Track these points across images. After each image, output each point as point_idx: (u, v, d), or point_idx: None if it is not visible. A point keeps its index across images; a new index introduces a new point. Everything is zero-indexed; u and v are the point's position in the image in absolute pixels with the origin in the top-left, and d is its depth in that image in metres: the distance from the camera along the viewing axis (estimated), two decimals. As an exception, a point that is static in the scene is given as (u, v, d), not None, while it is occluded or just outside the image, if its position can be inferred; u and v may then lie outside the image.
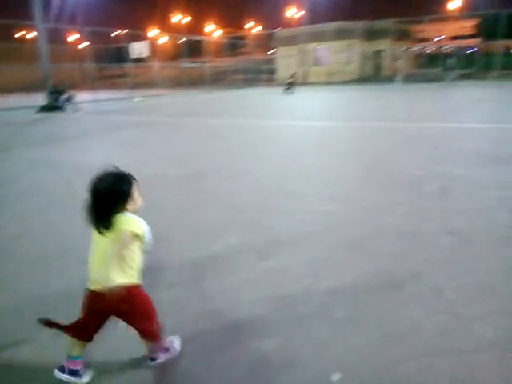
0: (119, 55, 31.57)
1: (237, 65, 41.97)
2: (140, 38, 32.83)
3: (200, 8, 69.25)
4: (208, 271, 3.07)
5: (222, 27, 61.61)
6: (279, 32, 41.83)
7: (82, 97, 20.67)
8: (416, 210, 4.22)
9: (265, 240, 3.61)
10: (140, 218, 1.83)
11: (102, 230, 1.76)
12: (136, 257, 1.84)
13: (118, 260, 1.76)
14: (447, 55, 33.23)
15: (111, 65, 35.04)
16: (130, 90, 27.81)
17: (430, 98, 18.78)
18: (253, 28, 61.58)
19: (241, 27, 62.31)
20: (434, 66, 33.38)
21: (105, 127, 12.57)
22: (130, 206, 1.81)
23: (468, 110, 12.96)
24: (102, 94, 25.13)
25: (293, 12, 53.86)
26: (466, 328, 2.28)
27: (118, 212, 1.77)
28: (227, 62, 42.41)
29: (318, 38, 37.05)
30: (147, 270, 1.97)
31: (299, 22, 47.18)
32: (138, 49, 31.84)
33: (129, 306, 1.84)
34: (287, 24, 50.85)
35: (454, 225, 3.76)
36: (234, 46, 46.26)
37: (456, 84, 25.79)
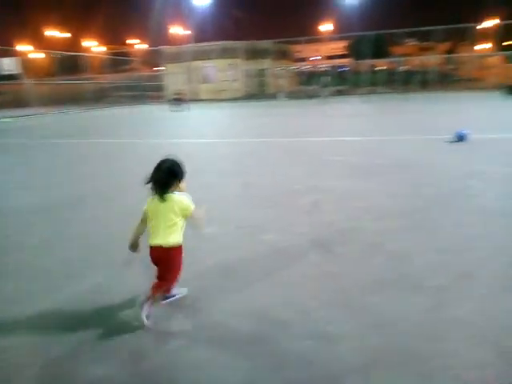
0: (-17, 73, 28.04)
1: (122, 81, 40.34)
2: (10, 53, 29.66)
3: (80, 23, 65.52)
4: (57, 324, 2.63)
5: (105, 43, 58.93)
6: (166, 49, 41.33)
7: None
8: (290, 225, 4.24)
9: (132, 276, 3.26)
10: (187, 195, 2.56)
11: (164, 199, 2.46)
12: (181, 224, 2.53)
13: (175, 224, 2.49)
14: (323, 73, 36.09)
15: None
16: (-4, 110, 24.81)
17: (307, 113, 20.02)
18: (138, 45, 60.01)
19: (125, 44, 60.26)
20: (312, 84, 35.96)
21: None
22: (180, 185, 2.55)
23: (341, 124, 14.02)
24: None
25: (178, 30, 53.81)
26: (331, 351, 2.23)
27: (174, 186, 2.51)
28: (111, 79, 40.54)
29: (204, 55, 37.48)
30: None
31: (185, 40, 47.27)
32: (7, 65, 28.67)
33: (172, 257, 2.53)
34: (173, 41, 50.60)
35: (322, 238, 3.83)
36: (118, 62, 44.45)
37: (331, 100, 28.03)
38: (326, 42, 47.59)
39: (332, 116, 17.58)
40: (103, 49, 55.41)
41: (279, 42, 38.07)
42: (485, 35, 37.93)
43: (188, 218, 2.55)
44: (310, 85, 35.96)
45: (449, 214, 4.37)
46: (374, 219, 4.31)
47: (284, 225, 4.26)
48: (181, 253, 2.60)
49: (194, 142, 11.04)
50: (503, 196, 4.94)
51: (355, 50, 41.70)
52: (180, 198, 2.52)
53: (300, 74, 41.22)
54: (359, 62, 37.00)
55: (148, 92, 39.04)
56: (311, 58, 46.41)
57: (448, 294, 2.74)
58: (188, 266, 2.81)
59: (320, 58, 45.59)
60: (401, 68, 37.00)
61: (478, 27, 36.57)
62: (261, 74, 37.49)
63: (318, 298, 2.77)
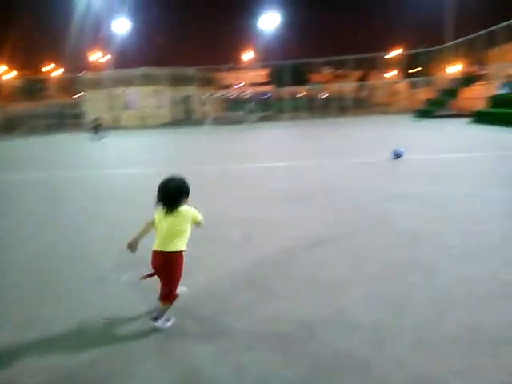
0: None
1: (37, 109, 37.85)
2: None
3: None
4: None
5: (18, 69, 55.00)
6: (85, 75, 39.68)
7: None
8: (221, 263, 4.00)
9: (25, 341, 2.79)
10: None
11: (172, 213, 2.69)
12: (188, 232, 2.77)
13: (179, 234, 2.71)
14: (248, 100, 36.90)
15: None
16: None
17: (234, 139, 20.16)
18: (53, 71, 56.91)
19: (40, 70, 56.81)
20: (237, 110, 36.57)
21: None
22: (187, 199, 2.79)
23: (267, 150, 14.21)
24: None
25: (98, 56, 52.08)
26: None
27: (183, 202, 2.74)
28: (26, 107, 37.86)
29: (126, 82, 36.60)
30: None
31: (105, 67, 45.83)
32: None
33: (172, 262, 2.71)
34: (93, 68, 48.79)
35: (257, 275, 3.64)
36: (33, 89, 41.74)
37: (257, 125, 28.61)
38: (249, 70, 48.97)
39: (258, 142, 17.83)
40: (14, 74, 51.78)
41: (203, 70, 38.41)
42: (392, 64, 41.54)
43: (197, 223, 2.84)
44: (236, 111, 36.55)
45: (375, 239, 4.43)
46: (306, 248, 4.23)
47: (215, 263, 4.01)
48: (182, 258, 2.77)
49: (114, 172, 10.45)
50: (426, 217, 5.14)
51: (276, 78, 43.36)
52: (189, 209, 2.79)
53: (226, 100, 41.79)
54: (280, 89, 38.42)
55: (67, 120, 37.01)
56: (236, 85, 47.40)
57: (383, 330, 2.66)
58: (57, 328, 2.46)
59: (244, 84, 46.70)
60: (320, 95, 39.01)
61: (386, 56, 39.97)
62: (186, 100, 37.39)
63: (253, 348, 2.54)
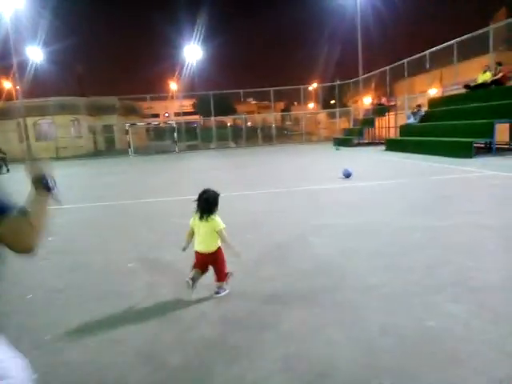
0: None
1: None
2: None
3: None
4: None
5: None
6: (-10, 105, 36.55)
7: None
8: (116, 319, 3.34)
9: None
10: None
11: (207, 219, 3.54)
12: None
13: (215, 236, 3.57)
14: (175, 129, 36.33)
15: None
16: None
17: (161, 169, 19.32)
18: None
19: None
20: (163, 139, 35.76)
21: None
22: (217, 208, 3.63)
23: (195, 180, 13.62)
24: None
25: (7, 85, 48.39)
26: None
27: (215, 210, 3.61)
28: None
29: (40, 112, 34.27)
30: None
31: (15, 96, 42.65)
32: None
33: (217, 258, 3.64)
34: (1, 97, 45.07)
35: (151, 349, 3.04)
36: None
37: (184, 155, 27.98)
38: (174, 100, 48.57)
39: (185, 172, 17.22)
40: None
41: (125, 99, 37.28)
42: (312, 95, 43.56)
43: (217, 232, 3.55)
44: (162, 140, 35.73)
45: (295, 283, 4.03)
46: (216, 303, 3.72)
47: (115, 320, 3.34)
48: (221, 251, 3.67)
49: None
50: (347, 252, 4.89)
51: (202, 108, 43.36)
52: (217, 219, 3.58)
53: (151, 129, 40.81)
54: (206, 118, 38.38)
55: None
56: (165, 114, 46.61)
57: None
58: None
59: (170, 114, 46.06)
60: (246, 124, 39.55)
61: (306, 88, 41.82)
62: (108, 130, 35.88)
63: None
